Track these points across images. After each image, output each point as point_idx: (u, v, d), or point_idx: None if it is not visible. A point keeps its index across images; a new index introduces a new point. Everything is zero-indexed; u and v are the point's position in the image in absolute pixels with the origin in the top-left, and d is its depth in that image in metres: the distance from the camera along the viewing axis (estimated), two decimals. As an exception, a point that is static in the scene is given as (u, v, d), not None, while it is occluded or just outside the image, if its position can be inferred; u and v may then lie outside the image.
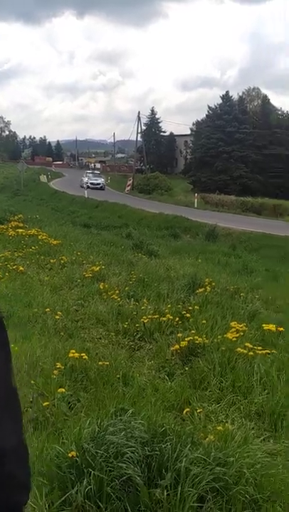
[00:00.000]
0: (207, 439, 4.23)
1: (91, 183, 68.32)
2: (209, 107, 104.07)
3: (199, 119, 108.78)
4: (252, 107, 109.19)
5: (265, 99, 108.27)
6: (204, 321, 7.75)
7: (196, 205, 50.79)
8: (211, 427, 4.71)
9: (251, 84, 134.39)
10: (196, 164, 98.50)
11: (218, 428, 4.55)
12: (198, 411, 5.13)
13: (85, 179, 70.71)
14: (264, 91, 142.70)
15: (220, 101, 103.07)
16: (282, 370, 6.09)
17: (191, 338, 6.83)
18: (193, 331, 7.22)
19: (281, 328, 7.47)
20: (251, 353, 6.35)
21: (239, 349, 6.43)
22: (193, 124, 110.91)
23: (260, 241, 26.06)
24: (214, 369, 6.12)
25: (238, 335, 7.00)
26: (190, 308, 8.45)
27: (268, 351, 6.53)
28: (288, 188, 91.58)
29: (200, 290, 9.71)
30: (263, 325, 7.55)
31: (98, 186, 68.90)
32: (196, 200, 53.63)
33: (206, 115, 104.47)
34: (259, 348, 6.54)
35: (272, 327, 7.39)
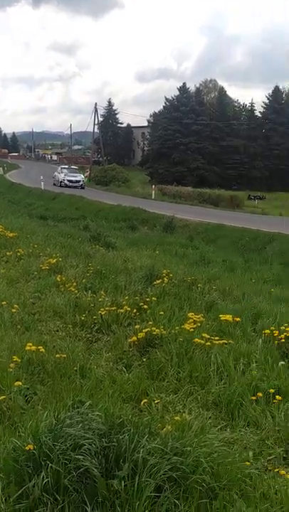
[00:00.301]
0: (164, 429, 4.25)
1: (69, 181, 58.94)
2: (166, 99, 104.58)
3: (156, 111, 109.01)
4: (209, 99, 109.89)
5: (222, 91, 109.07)
6: (162, 313, 7.77)
7: (153, 197, 50.94)
8: (168, 417, 4.74)
9: (208, 76, 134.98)
10: (153, 156, 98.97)
11: (176, 418, 4.58)
12: (155, 402, 5.15)
13: (61, 176, 60.72)
14: (221, 83, 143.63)
15: (177, 92, 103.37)
16: (238, 360, 6.15)
17: (149, 329, 6.85)
18: (150, 323, 7.24)
19: (238, 319, 7.56)
20: (208, 344, 6.39)
21: (196, 340, 6.46)
22: (151, 116, 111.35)
23: (217, 232, 26.30)
24: (172, 360, 6.15)
25: (195, 326, 7.04)
26: (147, 299, 8.46)
27: (225, 341, 6.59)
28: (245, 180, 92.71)
29: (157, 281, 9.73)
30: (220, 315, 7.61)
31: (78, 184, 59.08)
32: (153, 191, 53.80)
33: (163, 107, 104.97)
34: (216, 338, 6.59)
35: (229, 317, 7.46)
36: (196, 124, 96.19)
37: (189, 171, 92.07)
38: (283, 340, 6.76)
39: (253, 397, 5.32)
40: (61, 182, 58.86)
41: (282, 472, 4.07)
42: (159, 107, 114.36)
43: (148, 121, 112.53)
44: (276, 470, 4.16)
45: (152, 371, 6.04)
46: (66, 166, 70.95)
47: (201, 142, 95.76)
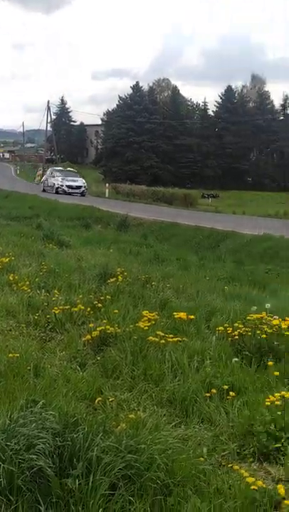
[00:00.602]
0: (119, 427, 4.25)
1: (68, 187, 48.35)
2: (120, 97, 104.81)
3: (110, 109, 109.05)
4: (162, 98, 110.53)
5: (175, 90, 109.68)
6: (116, 311, 7.76)
7: (107, 195, 51.00)
8: (123, 415, 4.73)
9: (161, 75, 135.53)
10: (106, 154, 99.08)
11: (130, 416, 4.58)
12: (110, 400, 5.14)
13: (56, 180, 49.68)
14: (174, 82, 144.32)
15: (130, 91, 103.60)
16: (193, 357, 6.18)
17: (103, 327, 6.83)
18: (105, 321, 7.22)
19: (192, 316, 7.58)
20: (163, 341, 6.41)
21: (151, 337, 6.47)
22: (104, 114, 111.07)
23: (171, 230, 26.41)
24: (126, 358, 6.15)
25: (149, 324, 7.04)
26: (102, 298, 8.43)
27: (179, 339, 6.61)
28: (198, 178, 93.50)
29: (111, 280, 9.71)
30: (174, 313, 7.63)
31: (79, 191, 48.45)
32: (107, 190, 53.84)
33: (117, 105, 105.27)
34: (170, 336, 6.61)
35: (183, 315, 7.48)
36: (150, 123, 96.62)
37: (143, 169, 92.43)
38: (237, 337, 6.81)
39: (207, 394, 5.35)
40: (57, 188, 48.30)
41: (236, 467, 4.11)
42: (112, 105, 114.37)
43: (102, 119, 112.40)
44: (230, 465, 4.20)
45: (107, 369, 6.03)
46: (59, 168, 57.53)
47: (154, 141, 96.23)
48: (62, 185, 48.48)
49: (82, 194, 48.07)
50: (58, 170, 54.20)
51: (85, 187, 49.85)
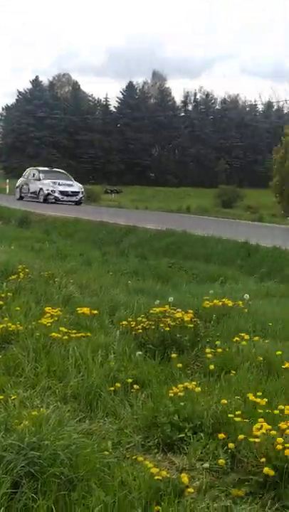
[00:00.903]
0: (22, 424, 4.20)
1: (62, 193, 37.07)
2: (19, 92, 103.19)
3: (9, 104, 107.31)
4: (63, 93, 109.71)
5: (76, 86, 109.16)
6: (18, 308, 7.66)
7: (7, 192, 50.09)
8: (25, 412, 4.67)
9: (63, 71, 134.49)
10: (7, 150, 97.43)
11: (33, 413, 4.53)
12: (12, 398, 5.07)
13: (46, 185, 37.35)
14: (76, 77, 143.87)
15: (30, 86, 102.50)
16: (97, 352, 6.19)
17: (4, 325, 6.75)
18: (6, 319, 7.13)
19: (95, 311, 7.60)
20: (66, 337, 6.40)
21: (54, 334, 6.45)
22: (3, 109, 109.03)
23: (74, 226, 26.25)
24: (29, 355, 6.08)
25: (52, 320, 7.02)
26: (2, 295, 8.31)
27: (82, 334, 6.62)
28: (101, 174, 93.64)
29: (13, 277, 9.57)
30: (78, 309, 7.63)
31: (74, 199, 37.49)
32: (7, 186, 52.86)
33: (16, 100, 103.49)
34: (74, 331, 6.61)
35: (86, 310, 7.49)
36: (50, 118, 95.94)
37: (44, 165, 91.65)
38: (140, 330, 6.88)
39: (112, 388, 5.37)
40: (47, 195, 36.86)
41: (140, 459, 4.15)
42: (11, 100, 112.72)
43: (0, 114, 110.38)
44: (134, 457, 4.24)
45: (8, 367, 5.94)
46: (44, 169, 42.88)
47: (55, 136, 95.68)
48: (53, 191, 37.09)
49: (79, 202, 37.82)
50: (43, 171, 40.63)
51: (82, 193, 39.11)
